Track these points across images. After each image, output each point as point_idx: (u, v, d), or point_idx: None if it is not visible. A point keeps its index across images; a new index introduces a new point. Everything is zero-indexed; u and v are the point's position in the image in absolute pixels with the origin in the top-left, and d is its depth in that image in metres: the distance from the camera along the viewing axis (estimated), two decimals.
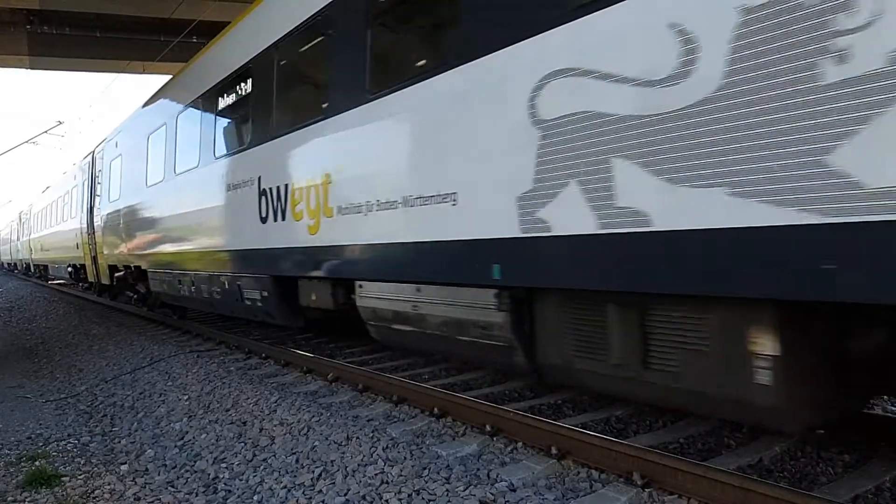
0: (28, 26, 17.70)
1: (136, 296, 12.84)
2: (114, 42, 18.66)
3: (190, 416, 5.43)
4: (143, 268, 11.13)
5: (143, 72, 20.48)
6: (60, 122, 28.71)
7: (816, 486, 3.26)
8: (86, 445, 5.03)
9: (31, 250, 29.11)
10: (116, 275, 12.98)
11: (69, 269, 19.14)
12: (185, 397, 6.04)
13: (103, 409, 6.17)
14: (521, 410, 4.44)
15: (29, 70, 20.38)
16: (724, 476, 3.02)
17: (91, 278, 15.91)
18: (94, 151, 15.28)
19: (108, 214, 13.18)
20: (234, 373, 6.83)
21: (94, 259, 14.62)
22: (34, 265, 29.59)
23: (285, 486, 3.71)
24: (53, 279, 25.46)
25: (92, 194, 14.85)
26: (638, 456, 3.36)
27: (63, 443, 5.06)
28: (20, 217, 35.76)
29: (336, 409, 5.17)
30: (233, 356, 8.00)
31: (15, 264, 40.01)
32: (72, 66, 20.97)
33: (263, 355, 7.72)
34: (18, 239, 36.15)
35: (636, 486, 3.24)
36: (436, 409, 4.77)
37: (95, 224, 14.32)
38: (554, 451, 3.74)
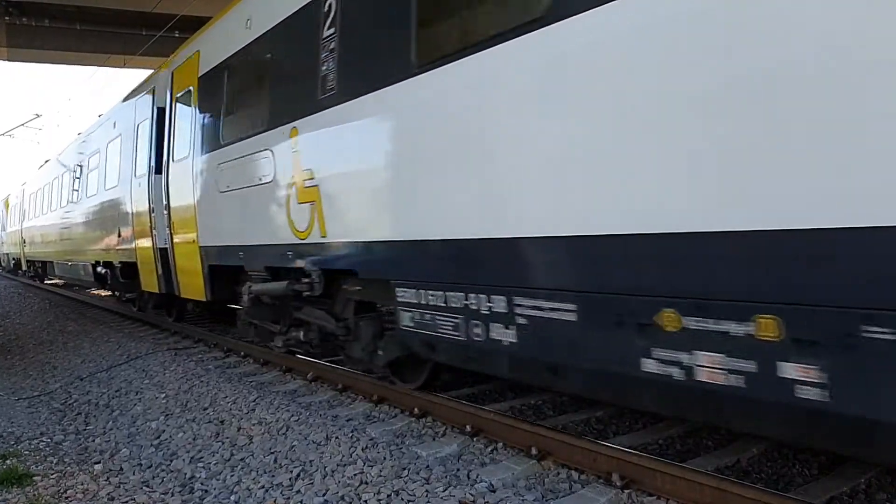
0: (6, 17, 17.39)
1: (313, 337, 5.80)
2: (94, 35, 18.41)
3: (167, 415, 5.36)
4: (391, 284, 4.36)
5: (125, 66, 20.25)
6: (38, 116, 28.16)
7: (792, 487, 3.29)
8: (59, 444, 4.93)
9: (25, 243, 22.24)
10: (253, 289, 6.32)
11: (101, 269, 11.97)
12: (162, 395, 5.96)
13: (77, 408, 6.06)
14: (501, 411, 4.45)
15: (6, 62, 20.05)
16: (702, 477, 3.05)
17: (150, 287, 9.17)
18: (169, 66, 8.47)
19: (220, 166, 6.63)
20: (212, 371, 6.76)
21: (165, 253, 8.34)
22: (27, 262, 22.87)
23: (263, 486, 3.67)
24: (62, 282, 19.52)
25: (167, 141, 8.18)
26: (617, 457, 3.38)
27: (35, 441, 4.95)
28: (7, 202, 28.95)
29: (315, 408, 5.13)
30: (211, 354, 7.92)
31: None
32: (51, 59, 20.67)
33: (242, 353, 7.65)
34: (4, 229, 29.54)
35: (615, 487, 3.26)
36: (416, 410, 4.75)
37: (171, 190, 8.04)
38: (534, 451, 3.74)
